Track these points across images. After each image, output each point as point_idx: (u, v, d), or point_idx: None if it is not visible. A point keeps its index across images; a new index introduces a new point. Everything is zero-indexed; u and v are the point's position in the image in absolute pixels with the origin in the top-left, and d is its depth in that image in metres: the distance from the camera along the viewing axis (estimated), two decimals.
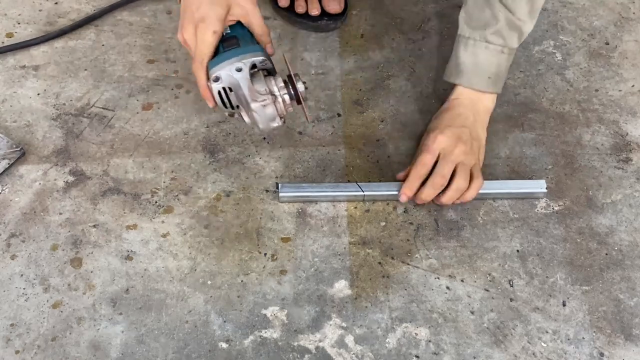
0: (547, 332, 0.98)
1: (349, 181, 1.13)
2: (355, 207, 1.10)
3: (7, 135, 1.16)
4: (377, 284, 1.03)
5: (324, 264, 1.04)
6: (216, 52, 1.00)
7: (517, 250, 1.06)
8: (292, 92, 1.00)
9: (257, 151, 1.17)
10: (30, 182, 1.12)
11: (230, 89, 0.98)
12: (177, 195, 1.11)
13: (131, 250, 1.05)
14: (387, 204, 1.10)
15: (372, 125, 1.21)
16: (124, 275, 1.02)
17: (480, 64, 1.11)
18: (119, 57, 1.30)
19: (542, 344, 0.97)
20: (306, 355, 0.96)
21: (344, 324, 0.99)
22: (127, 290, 1.01)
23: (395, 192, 1.08)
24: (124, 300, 1.00)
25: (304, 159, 1.16)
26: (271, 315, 0.99)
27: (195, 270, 1.03)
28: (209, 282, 1.02)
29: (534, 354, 0.96)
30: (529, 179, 1.14)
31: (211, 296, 1.01)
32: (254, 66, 0.98)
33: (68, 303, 1.00)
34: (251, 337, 0.97)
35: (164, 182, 1.13)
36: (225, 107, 1.00)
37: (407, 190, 1.07)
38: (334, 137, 1.19)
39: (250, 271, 1.03)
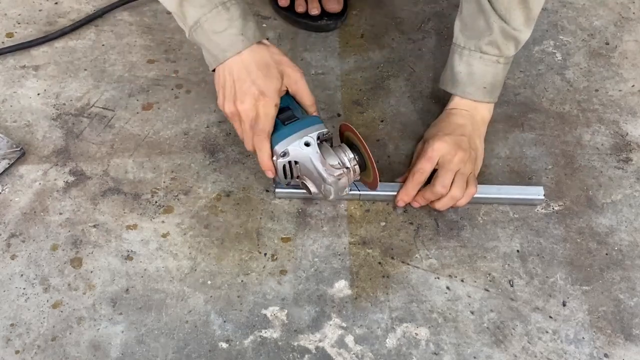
0: (547, 332, 0.98)
1: None
2: (355, 207, 1.10)
3: (7, 135, 1.16)
4: (377, 284, 1.03)
5: (324, 264, 1.04)
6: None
7: (517, 250, 1.06)
8: (361, 162, 1.02)
9: None
10: (30, 182, 1.12)
11: (296, 162, 1.00)
12: (177, 195, 1.11)
13: (131, 250, 1.05)
14: (387, 204, 1.10)
15: (372, 125, 1.21)
16: (124, 275, 1.02)
17: (475, 74, 1.10)
18: (119, 57, 1.30)
19: (542, 343, 0.97)
20: (306, 355, 0.96)
21: (344, 324, 0.99)
22: (127, 290, 1.01)
23: (392, 193, 1.08)
24: (124, 300, 1.00)
25: None
26: (271, 315, 0.99)
27: (195, 270, 1.03)
28: (209, 282, 1.02)
29: (534, 354, 0.96)
30: (529, 179, 1.14)
31: (211, 296, 1.01)
32: (318, 138, 0.99)
33: (68, 303, 1.00)
34: (251, 337, 0.97)
35: (164, 182, 1.13)
36: (285, 177, 1.02)
37: (405, 197, 1.07)
38: (333, 138, 1.18)
39: (250, 271, 1.03)
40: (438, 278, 1.03)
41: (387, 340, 0.97)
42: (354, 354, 0.96)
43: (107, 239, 1.06)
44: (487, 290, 1.02)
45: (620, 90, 1.27)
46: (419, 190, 1.07)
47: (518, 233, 1.08)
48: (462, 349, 0.97)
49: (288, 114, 1.01)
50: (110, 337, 0.97)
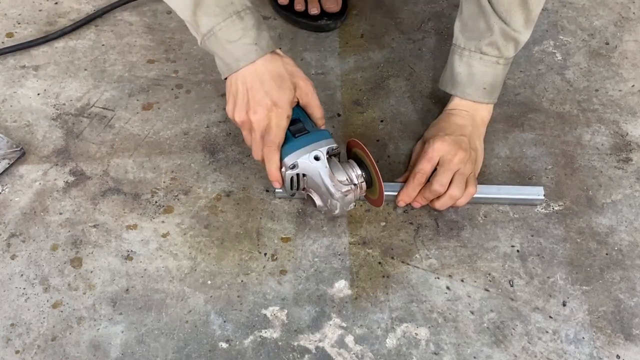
0: (547, 332, 0.98)
1: None
2: (355, 207, 1.10)
3: (7, 135, 1.16)
4: (377, 284, 1.03)
5: (324, 264, 1.04)
6: None
7: (517, 250, 1.06)
8: (367, 179, 1.03)
9: None
10: (30, 182, 1.12)
11: (304, 175, 1.00)
12: (177, 195, 1.11)
13: (131, 250, 1.05)
14: (387, 204, 1.10)
15: (372, 125, 1.21)
16: (124, 275, 1.02)
17: (475, 75, 1.10)
18: (119, 57, 1.30)
19: (542, 343, 0.97)
20: (306, 355, 0.96)
21: (344, 324, 0.99)
22: (127, 290, 1.01)
23: (392, 193, 1.08)
24: (124, 300, 1.00)
25: None
26: (271, 315, 0.99)
27: (195, 270, 1.03)
28: (209, 282, 1.02)
29: (534, 354, 0.96)
30: (529, 179, 1.14)
31: (211, 296, 1.01)
32: (327, 153, 1.00)
33: (68, 303, 1.00)
34: (251, 337, 0.97)
35: (164, 182, 1.13)
36: (292, 189, 1.02)
37: (406, 198, 1.07)
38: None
39: (250, 271, 1.03)
40: (438, 278, 1.03)
41: (387, 340, 0.97)
42: (354, 354, 0.96)
43: (107, 239, 1.06)
44: (487, 290, 1.02)
45: (620, 90, 1.27)
46: (420, 191, 1.07)
47: (518, 233, 1.08)
48: (462, 349, 0.97)
49: (299, 126, 1.01)
50: (110, 337, 0.97)
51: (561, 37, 1.36)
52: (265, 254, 1.05)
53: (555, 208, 1.11)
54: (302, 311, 1.00)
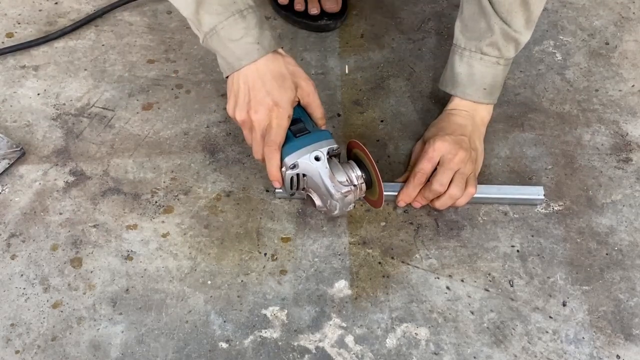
0: (547, 332, 0.98)
1: None
2: (355, 207, 1.10)
3: (7, 135, 1.16)
4: (377, 284, 1.03)
5: (324, 264, 1.04)
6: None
7: (517, 250, 1.06)
8: (367, 180, 1.02)
9: None
10: (30, 182, 1.12)
11: (304, 175, 1.00)
12: (177, 195, 1.11)
13: (131, 250, 1.05)
14: (387, 204, 1.10)
15: (372, 125, 1.21)
16: (124, 275, 1.02)
17: (475, 75, 1.10)
18: (119, 57, 1.30)
19: (542, 343, 0.97)
20: (306, 355, 0.96)
21: (344, 324, 0.99)
22: (127, 290, 1.01)
23: (392, 193, 1.08)
24: (124, 300, 1.00)
25: None
26: (271, 315, 0.99)
27: (195, 270, 1.03)
28: (209, 282, 1.02)
29: (534, 354, 0.96)
30: (529, 179, 1.14)
31: (211, 296, 1.01)
32: (327, 153, 1.00)
33: (68, 303, 1.00)
34: (251, 337, 0.97)
35: (164, 182, 1.13)
36: (292, 189, 1.02)
37: (406, 197, 1.07)
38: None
39: (250, 271, 1.03)
40: (438, 278, 1.03)
41: (387, 340, 0.97)
42: (354, 354, 0.96)
43: (107, 239, 1.06)
44: (487, 290, 1.02)
45: (620, 90, 1.27)
46: (420, 190, 1.07)
47: (518, 233, 1.08)
48: (462, 349, 0.97)
49: (300, 126, 1.01)
50: (110, 337, 0.97)
51: (561, 37, 1.36)
52: (265, 254, 1.05)
53: (555, 208, 1.11)
54: (302, 311, 1.00)
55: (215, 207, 1.10)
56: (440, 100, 1.21)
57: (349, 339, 0.97)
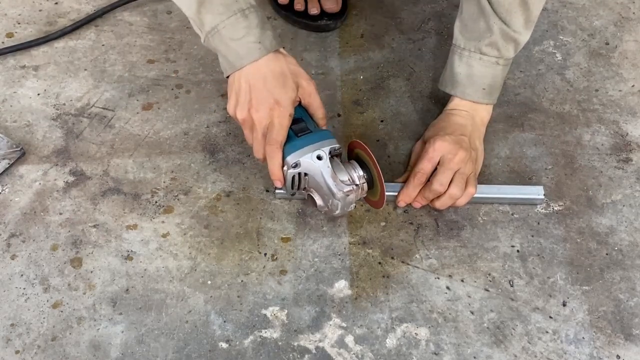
0: (547, 332, 0.98)
1: None
2: (355, 207, 1.10)
3: (7, 135, 1.16)
4: (377, 284, 1.03)
5: (324, 264, 1.04)
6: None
7: (517, 250, 1.06)
8: (369, 180, 1.03)
9: None
10: (30, 182, 1.12)
11: (306, 174, 1.00)
12: (177, 195, 1.11)
13: (131, 250, 1.05)
14: (387, 204, 1.10)
15: (372, 125, 1.21)
16: (124, 275, 1.02)
17: (474, 75, 1.10)
18: (119, 57, 1.30)
19: (542, 343, 0.97)
20: (306, 355, 0.96)
21: (344, 324, 0.99)
22: (127, 290, 1.01)
23: (393, 194, 1.08)
24: (124, 300, 1.00)
25: None
26: (271, 315, 0.99)
27: (195, 270, 1.03)
28: (209, 282, 1.02)
29: (534, 354, 0.96)
30: (529, 179, 1.14)
31: (211, 296, 1.01)
32: (329, 153, 1.00)
33: (68, 303, 1.00)
34: (251, 337, 0.97)
35: (164, 182, 1.13)
36: (293, 188, 1.02)
37: (406, 198, 1.07)
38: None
39: (250, 271, 1.03)
40: (438, 278, 1.03)
41: (387, 340, 0.97)
42: (354, 354, 0.96)
43: (107, 239, 1.06)
44: (487, 290, 1.02)
45: (620, 90, 1.27)
46: (420, 190, 1.07)
47: (518, 233, 1.08)
48: (462, 349, 0.97)
49: (301, 125, 1.01)
50: (110, 337, 0.97)
51: (561, 37, 1.36)
52: (265, 254, 1.05)
53: (555, 208, 1.11)
54: (302, 311, 1.00)
55: (215, 207, 1.10)
56: (440, 100, 1.21)
57: (349, 339, 0.97)
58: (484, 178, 1.13)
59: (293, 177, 1.00)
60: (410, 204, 1.08)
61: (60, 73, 1.27)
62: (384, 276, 1.03)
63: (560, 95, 1.26)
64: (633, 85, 1.28)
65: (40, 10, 1.37)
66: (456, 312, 1.00)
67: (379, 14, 1.39)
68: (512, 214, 1.10)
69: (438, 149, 1.05)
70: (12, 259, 1.04)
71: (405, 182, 1.08)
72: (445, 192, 1.05)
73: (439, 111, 1.17)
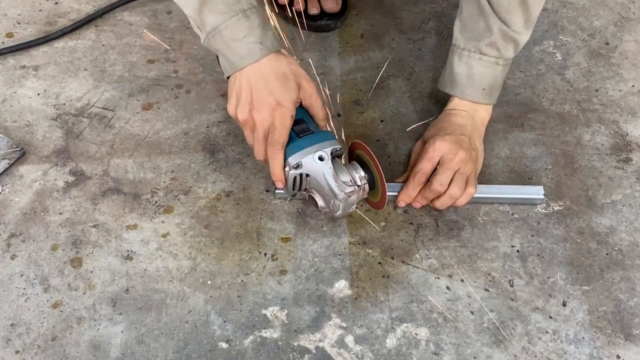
0: (547, 332, 0.98)
1: None
2: (356, 207, 1.10)
3: (7, 135, 1.16)
4: (377, 284, 1.03)
5: (324, 264, 1.04)
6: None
7: (517, 250, 1.06)
8: (370, 181, 1.02)
9: None
10: (30, 182, 1.12)
11: (307, 175, 1.00)
12: (177, 195, 1.11)
13: (131, 250, 1.05)
14: (387, 203, 1.10)
15: (372, 125, 1.21)
16: (124, 275, 1.02)
17: (474, 76, 1.10)
18: (119, 57, 1.30)
19: (542, 343, 0.97)
20: (306, 355, 0.96)
21: (344, 324, 0.99)
22: (127, 290, 1.01)
23: (393, 194, 1.08)
24: (124, 300, 1.00)
25: None
26: (271, 315, 0.99)
27: (195, 270, 1.03)
28: (209, 282, 1.02)
29: (534, 354, 0.96)
30: (529, 179, 1.14)
31: (211, 296, 1.01)
32: (331, 153, 1.00)
33: (68, 303, 1.00)
34: (251, 337, 0.97)
35: (164, 182, 1.13)
36: (294, 189, 1.02)
37: (406, 198, 1.07)
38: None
39: (250, 271, 1.03)
40: (438, 278, 1.03)
41: (387, 340, 0.97)
42: (354, 354, 0.96)
43: (107, 239, 1.06)
44: (487, 290, 1.02)
45: (620, 90, 1.27)
46: (420, 190, 1.07)
47: (518, 233, 1.08)
48: (462, 349, 0.97)
49: (303, 126, 1.01)
50: (110, 337, 0.97)
51: (561, 37, 1.36)
52: (265, 254, 1.05)
53: (555, 208, 1.11)
54: (302, 311, 1.00)
55: (215, 207, 1.10)
56: (440, 100, 1.21)
57: (349, 339, 0.97)
58: (484, 178, 1.13)
59: (295, 178, 1.00)
60: (410, 204, 1.08)
61: (60, 73, 1.27)
62: (384, 276, 1.03)
63: (560, 95, 1.26)
64: (633, 85, 1.28)
65: (40, 10, 1.37)
66: (456, 312, 1.00)
67: (379, 14, 1.39)
68: (512, 214, 1.10)
69: (438, 149, 1.05)
70: (12, 259, 1.04)
71: (405, 182, 1.08)
72: (445, 192, 1.05)
73: (439, 111, 1.17)
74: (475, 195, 1.07)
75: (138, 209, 1.09)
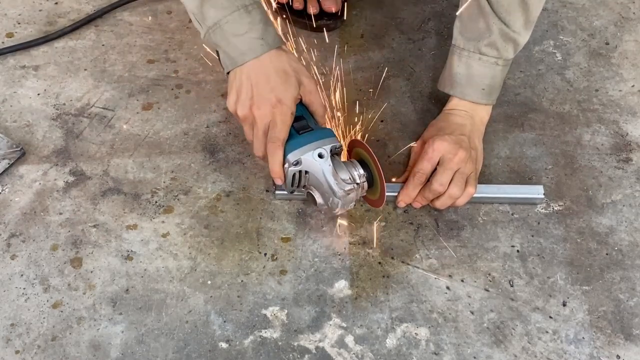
0: (547, 332, 0.98)
1: None
2: (355, 207, 1.10)
3: (7, 135, 1.16)
4: (377, 284, 1.03)
5: (324, 264, 1.04)
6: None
7: (517, 250, 1.06)
8: (369, 179, 1.02)
9: None
10: (30, 182, 1.12)
11: (306, 172, 1.00)
12: (177, 195, 1.11)
13: (131, 250, 1.05)
14: (387, 204, 1.10)
15: (372, 125, 1.21)
16: (124, 275, 1.02)
17: (474, 76, 1.10)
18: (119, 57, 1.30)
19: (542, 344, 0.97)
20: (306, 355, 0.96)
21: (344, 324, 0.99)
22: (127, 290, 1.01)
23: (393, 194, 1.08)
24: (124, 300, 1.00)
25: None
26: (271, 315, 0.99)
27: (195, 270, 1.03)
28: (209, 282, 1.02)
29: (534, 354, 0.96)
30: (529, 179, 1.14)
31: (211, 296, 1.01)
32: (330, 151, 1.00)
33: (68, 303, 1.00)
34: (251, 337, 0.97)
35: (164, 182, 1.13)
36: (292, 185, 1.02)
37: (406, 198, 1.07)
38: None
39: (250, 271, 1.03)
40: (438, 278, 1.03)
41: (387, 340, 0.97)
42: (354, 354, 0.96)
43: (107, 239, 1.06)
44: (487, 290, 1.02)
45: (620, 90, 1.27)
46: (420, 191, 1.07)
47: (518, 233, 1.08)
48: (462, 349, 0.97)
49: (302, 123, 1.01)
50: (110, 337, 0.97)
51: (561, 37, 1.36)
52: (265, 254, 1.05)
53: (555, 208, 1.11)
54: (302, 311, 1.00)
55: (215, 207, 1.10)
56: (440, 100, 1.21)
57: (349, 339, 0.97)
58: (484, 178, 1.13)
59: (294, 175, 1.00)
60: (410, 204, 1.08)
61: (60, 73, 1.27)
62: (384, 276, 1.03)
63: (560, 95, 1.26)
64: (633, 85, 1.28)
65: (40, 10, 1.37)
66: (456, 312, 1.00)
67: (379, 14, 1.39)
68: (512, 214, 1.10)
69: (438, 149, 1.05)
70: (12, 259, 1.04)
71: (405, 182, 1.08)
72: (445, 192, 1.05)
73: (439, 111, 1.17)
74: (475, 195, 1.07)
75: (138, 209, 1.09)
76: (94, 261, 1.04)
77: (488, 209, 1.11)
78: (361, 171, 1.01)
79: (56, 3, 1.39)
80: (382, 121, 1.22)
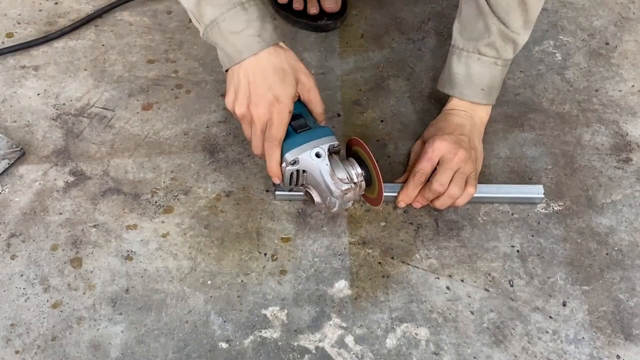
0: (547, 332, 0.98)
1: None
2: (355, 207, 1.10)
3: (7, 135, 1.16)
4: (377, 284, 1.03)
5: (324, 264, 1.04)
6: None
7: (517, 250, 1.06)
8: (367, 178, 1.02)
9: None
10: (30, 182, 1.12)
11: (304, 171, 1.00)
12: (177, 195, 1.11)
13: (131, 250, 1.05)
14: (387, 203, 1.10)
15: (372, 125, 1.21)
16: (124, 275, 1.03)
17: (473, 76, 1.10)
18: (119, 57, 1.30)
19: (542, 344, 0.97)
20: (306, 355, 0.96)
21: (343, 324, 0.99)
22: (127, 290, 1.01)
23: (392, 194, 1.08)
24: (124, 300, 1.00)
25: None
26: (271, 315, 0.99)
27: (195, 270, 1.03)
28: (209, 282, 1.02)
29: (534, 354, 0.96)
30: (529, 179, 1.14)
31: (211, 296, 1.01)
32: (328, 150, 1.00)
33: (68, 303, 1.00)
34: (251, 337, 0.97)
35: (164, 182, 1.13)
36: (290, 184, 1.02)
37: (406, 198, 1.07)
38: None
39: (250, 271, 1.03)
40: (438, 278, 1.03)
41: (387, 340, 0.97)
42: (354, 354, 0.96)
43: (107, 239, 1.06)
44: (487, 290, 1.02)
45: (620, 90, 1.27)
46: (420, 191, 1.07)
47: (518, 233, 1.08)
48: (462, 349, 0.97)
49: (300, 122, 1.01)
50: (110, 337, 0.97)
51: (561, 37, 1.36)
52: (265, 254, 1.05)
53: (555, 208, 1.11)
54: (302, 311, 1.00)
55: (215, 207, 1.10)
56: (440, 100, 1.21)
57: (349, 339, 0.97)
58: (484, 178, 1.13)
59: (291, 174, 1.00)
60: (410, 204, 1.08)
61: (60, 73, 1.27)
62: (384, 276, 1.03)
63: (560, 95, 1.26)
64: (633, 85, 1.28)
65: (40, 10, 1.37)
66: (456, 312, 1.00)
67: (379, 14, 1.39)
68: (512, 214, 1.10)
69: (437, 148, 1.05)
70: (12, 259, 1.04)
71: (405, 182, 1.08)
72: (445, 192, 1.05)
73: (439, 111, 1.17)
74: (475, 195, 1.07)
75: (138, 209, 1.09)
76: (94, 261, 1.04)
77: (488, 209, 1.11)
78: (359, 170, 1.01)
79: (56, 3, 1.39)
80: (382, 121, 1.22)
